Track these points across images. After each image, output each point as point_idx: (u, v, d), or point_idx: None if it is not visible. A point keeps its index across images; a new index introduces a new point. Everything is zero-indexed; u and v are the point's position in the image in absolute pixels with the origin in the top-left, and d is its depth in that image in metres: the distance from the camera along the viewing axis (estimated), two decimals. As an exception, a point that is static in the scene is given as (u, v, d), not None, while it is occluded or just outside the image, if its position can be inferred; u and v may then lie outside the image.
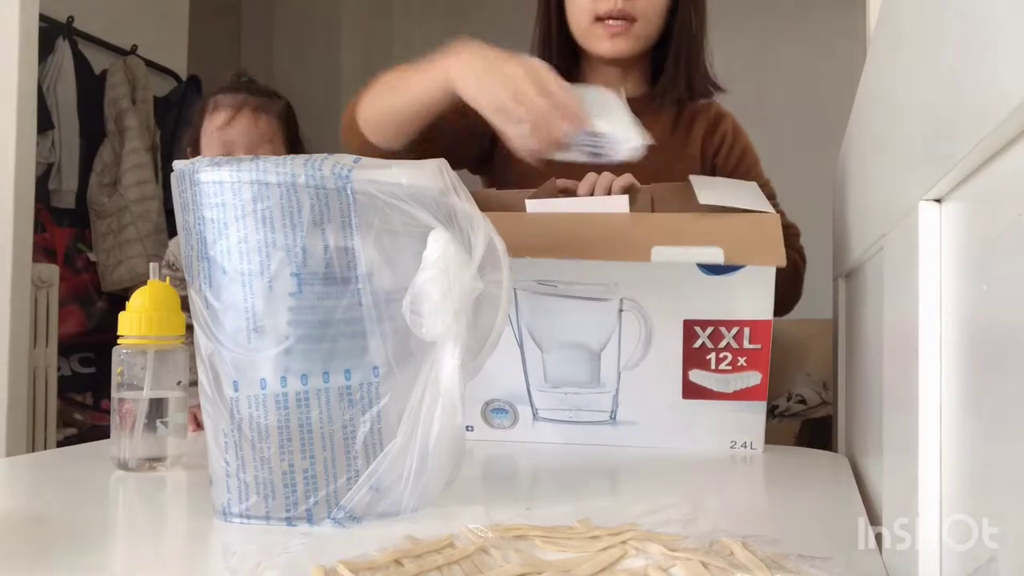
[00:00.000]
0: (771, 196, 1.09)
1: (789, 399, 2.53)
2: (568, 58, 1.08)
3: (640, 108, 1.02)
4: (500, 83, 0.80)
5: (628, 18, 1.02)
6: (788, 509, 0.72)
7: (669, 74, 1.09)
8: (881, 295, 0.61)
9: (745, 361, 0.91)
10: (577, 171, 0.94)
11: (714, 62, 1.13)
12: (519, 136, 0.80)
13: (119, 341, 0.81)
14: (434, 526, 0.58)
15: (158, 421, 0.80)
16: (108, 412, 0.81)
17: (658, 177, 1.01)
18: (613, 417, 0.95)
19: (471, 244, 0.63)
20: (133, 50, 2.90)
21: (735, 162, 1.16)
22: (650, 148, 1.01)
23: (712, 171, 1.16)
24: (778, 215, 0.88)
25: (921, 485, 0.44)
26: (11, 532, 0.60)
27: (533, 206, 0.92)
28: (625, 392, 0.94)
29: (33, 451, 2.00)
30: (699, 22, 1.09)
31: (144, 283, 0.83)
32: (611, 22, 1.02)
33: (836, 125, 1.15)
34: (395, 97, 0.95)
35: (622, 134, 0.79)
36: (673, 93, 1.11)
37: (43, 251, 2.50)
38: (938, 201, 0.44)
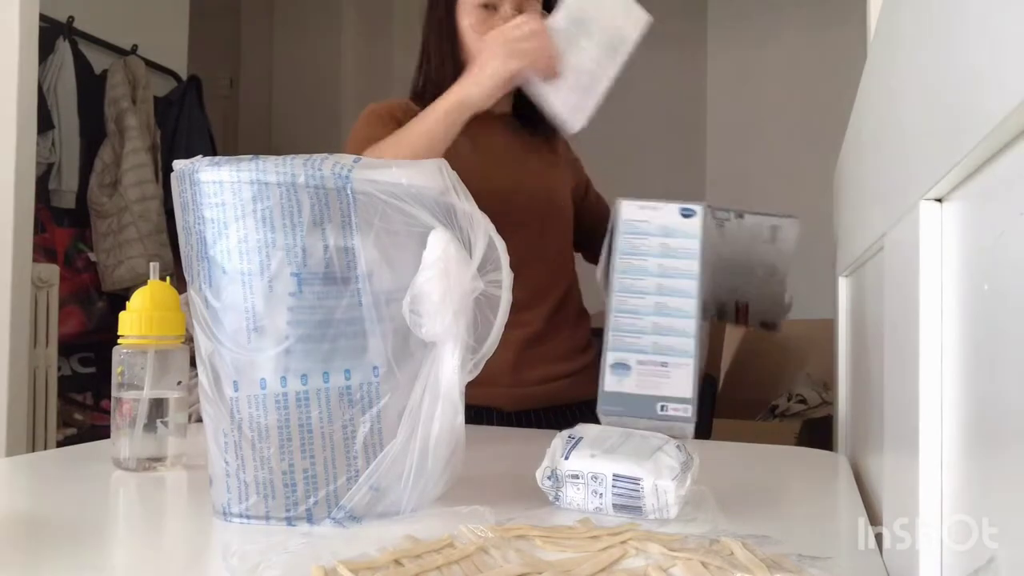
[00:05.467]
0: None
1: (789, 399, 2.53)
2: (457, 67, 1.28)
3: (508, 123, 1.31)
4: (497, 64, 1.07)
5: None
6: (788, 509, 0.72)
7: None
8: (882, 294, 0.61)
9: None
10: None
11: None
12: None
13: (119, 341, 0.81)
14: (434, 526, 0.58)
15: (158, 421, 0.80)
16: (108, 412, 0.81)
17: (541, 172, 1.29)
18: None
19: (471, 244, 0.63)
20: (133, 50, 2.90)
21: (575, 157, 1.43)
22: (530, 155, 1.31)
23: (573, 168, 1.41)
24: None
25: (921, 485, 0.44)
26: (11, 532, 0.60)
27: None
28: None
29: (33, 451, 2.00)
30: None
31: (144, 283, 0.83)
32: None
33: (837, 124, 1.15)
34: (418, 125, 1.12)
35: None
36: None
37: (43, 251, 2.50)
38: (939, 200, 0.44)
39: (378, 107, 1.26)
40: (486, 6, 1.19)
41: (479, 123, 1.26)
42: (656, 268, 1.03)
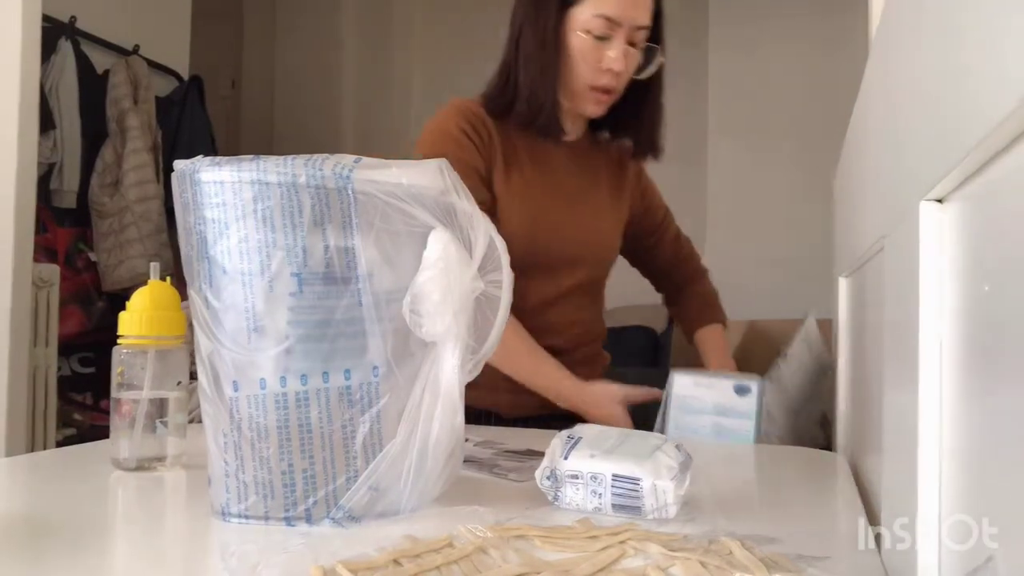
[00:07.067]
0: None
1: (790, 400, 2.52)
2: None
3: (586, 145, 1.27)
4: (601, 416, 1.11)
5: (614, 92, 1.19)
6: (788, 509, 0.72)
7: (646, 137, 1.27)
8: (882, 295, 0.60)
9: None
10: None
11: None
12: None
13: (119, 341, 0.81)
14: (433, 526, 0.58)
15: (158, 421, 0.80)
16: (108, 412, 0.81)
17: (596, 209, 1.26)
18: None
19: (471, 244, 0.63)
20: (135, 50, 2.90)
21: (648, 186, 1.39)
22: (592, 187, 1.27)
23: (641, 200, 1.36)
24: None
25: (921, 485, 0.44)
26: (11, 532, 0.60)
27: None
28: None
29: (33, 451, 2.01)
30: (660, 94, 1.27)
31: (144, 283, 0.83)
32: (603, 94, 1.18)
33: (837, 125, 1.15)
34: (532, 380, 1.18)
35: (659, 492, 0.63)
36: (648, 152, 1.29)
37: (44, 251, 2.50)
38: (939, 201, 0.44)
39: (460, 119, 1.18)
40: (598, 37, 1.15)
41: (545, 148, 1.22)
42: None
